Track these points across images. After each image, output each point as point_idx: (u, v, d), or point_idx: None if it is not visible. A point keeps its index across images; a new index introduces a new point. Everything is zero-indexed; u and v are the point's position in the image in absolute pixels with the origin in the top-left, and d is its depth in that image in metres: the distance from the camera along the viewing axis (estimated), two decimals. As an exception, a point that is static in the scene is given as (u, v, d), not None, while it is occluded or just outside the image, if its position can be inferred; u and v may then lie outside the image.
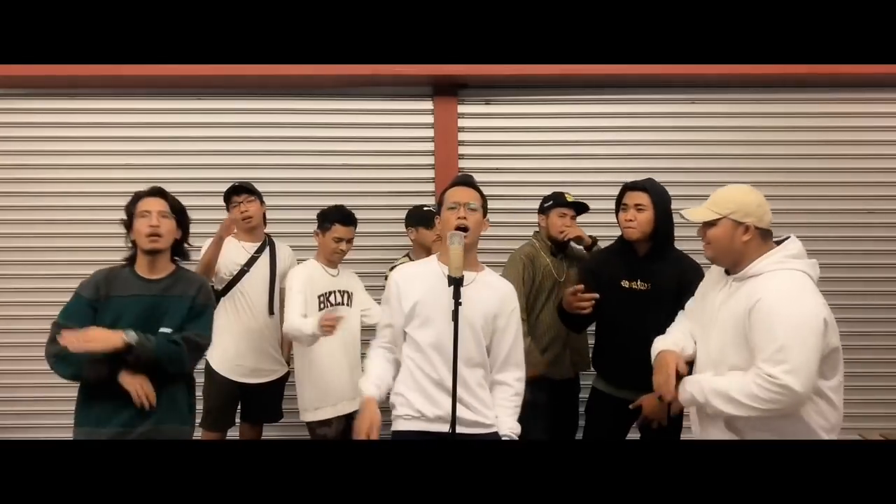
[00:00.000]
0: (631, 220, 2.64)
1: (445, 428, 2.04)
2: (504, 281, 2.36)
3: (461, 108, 3.86)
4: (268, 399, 3.16)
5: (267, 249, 3.19)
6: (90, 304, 2.21)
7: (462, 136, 3.86)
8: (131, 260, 2.32)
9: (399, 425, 2.21)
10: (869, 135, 3.85)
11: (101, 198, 3.77)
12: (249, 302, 3.07)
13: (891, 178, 3.84)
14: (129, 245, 2.33)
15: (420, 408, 2.15)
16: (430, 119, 3.85)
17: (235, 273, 3.06)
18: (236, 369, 3.06)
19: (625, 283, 2.65)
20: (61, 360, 2.14)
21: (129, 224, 2.30)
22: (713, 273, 2.17)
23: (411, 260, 3.15)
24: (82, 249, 3.77)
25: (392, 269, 3.09)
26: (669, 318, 2.39)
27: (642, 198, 2.63)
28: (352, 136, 3.85)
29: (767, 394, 1.81)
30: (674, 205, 3.76)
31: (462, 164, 3.83)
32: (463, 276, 2.00)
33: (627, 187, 2.72)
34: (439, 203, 2.31)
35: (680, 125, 3.85)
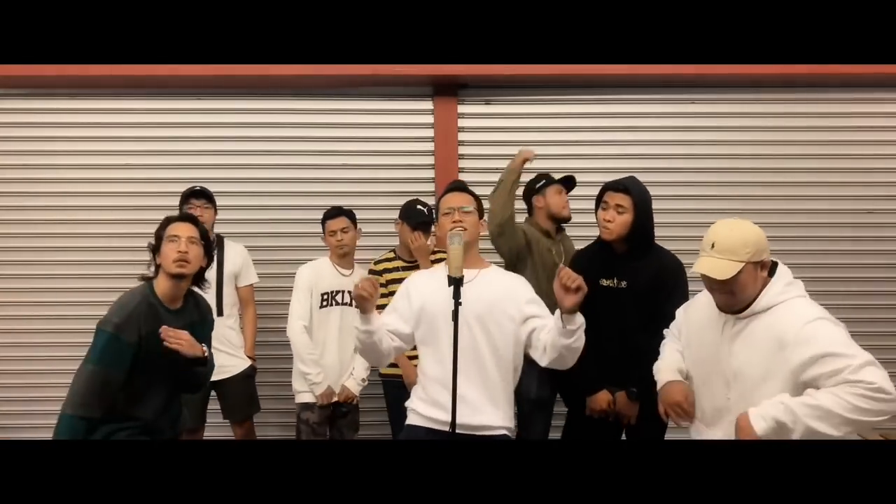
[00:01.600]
0: (609, 221, 2.62)
1: (458, 429, 2.05)
2: (512, 274, 2.37)
3: (461, 108, 3.86)
4: (235, 393, 3.23)
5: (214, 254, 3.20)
6: (132, 348, 2.14)
7: (462, 136, 3.85)
8: (147, 279, 2.29)
9: (412, 420, 2.26)
10: (869, 135, 3.84)
11: (101, 198, 3.77)
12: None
13: (890, 178, 3.84)
14: (152, 268, 2.30)
15: (434, 415, 2.18)
16: (430, 119, 3.85)
17: None
18: None
19: (604, 282, 2.65)
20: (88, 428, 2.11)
21: (156, 247, 2.27)
22: (705, 309, 2.05)
23: (396, 255, 3.16)
24: (82, 249, 3.77)
25: (376, 263, 3.16)
26: (649, 316, 2.39)
27: (623, 199, 2.61)
28: (352, 136, 3.85)
29: (873, 403, 1.74)
30: (673, 205, 3.82)
31: (462, 164, 3.83)
32: (463, 276, 2.00)
33: (608, 187, 2.69)
34: (437, 211, 2.36)
35: (680, 125, 3.85)
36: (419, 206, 3.09)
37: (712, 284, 1.91)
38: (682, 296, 2.51)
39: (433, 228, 3.03)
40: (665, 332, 2.32)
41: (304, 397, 3.10)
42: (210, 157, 3.83)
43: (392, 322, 2.25)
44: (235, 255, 3.31)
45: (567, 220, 3.10)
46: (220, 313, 3.15)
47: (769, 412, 1.82)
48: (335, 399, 3.09)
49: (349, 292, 3.10)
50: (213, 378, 3.10)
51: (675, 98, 3.84)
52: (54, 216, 3.80)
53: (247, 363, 3.28)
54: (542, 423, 3.02)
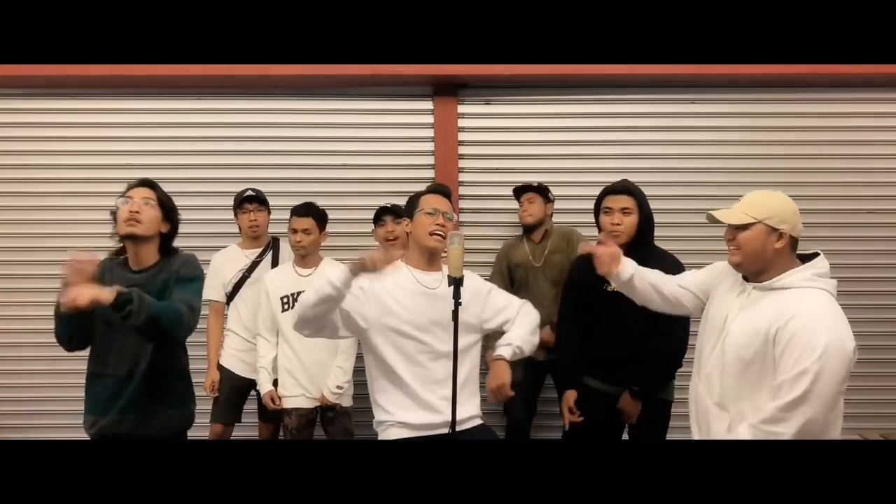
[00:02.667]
0: (618, 225, 2.61)
1: (433, 431, 2.11)
2: (469, 273, 2.29)
3: (461, 108, 3.86)
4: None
5: (269, 253, 3.30)
6: None
7: (462, 136, 3.86)
8: (120, 252, 2.32)
9: (390, 434, 2.18)
10: (869, 135, 3.84)
11: (101, 198, 3.76)
12: (249, 304, 3.21)
13: (891, 178, 3.84)
14: (117, 238, 2.30)
15: (407, 419, 2.15)
16: (430, 119, 3.85)
17: (238, 279, 3.22)
18: (239, 365, 3.22)
19: (608, 287, 2.64)
20: (59, 322, 2.15)
21: (115, 218, 2.28)
22: (728, 275, 2.09)
23: None
24: (82, 249, 3.77)
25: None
26: (651, 317, 2.41)
27: (628, 201, 2.61)
28: (352, 136, 3.85)
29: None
30: (673, 205, 3.82)
31: (462, 164, 3.83)
32: (462, 276, 2.01)
33: (609, 191, 2.68)
34: (410, 207, 2.30)
35: (680, 125, 3.85)
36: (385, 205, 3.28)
37: (727, 236, 1.97)
38: None
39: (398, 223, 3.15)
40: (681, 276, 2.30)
41: (284, 402, 3.05)
42: (210, 157, 3.83)
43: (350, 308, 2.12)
44: (289, 255, 3.23)
45: (528, 226, 3.33)
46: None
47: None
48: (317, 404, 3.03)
49: None
50: (254, 376, 3.14)
51: (675, 98, 3.85)
52: (54, 216, 3.80)
53: None
54: (518, 407, 3.18)
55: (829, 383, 1.71)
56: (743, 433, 1.83)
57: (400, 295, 2.17)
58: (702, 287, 2.19)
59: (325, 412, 3.08)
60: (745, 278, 2.01)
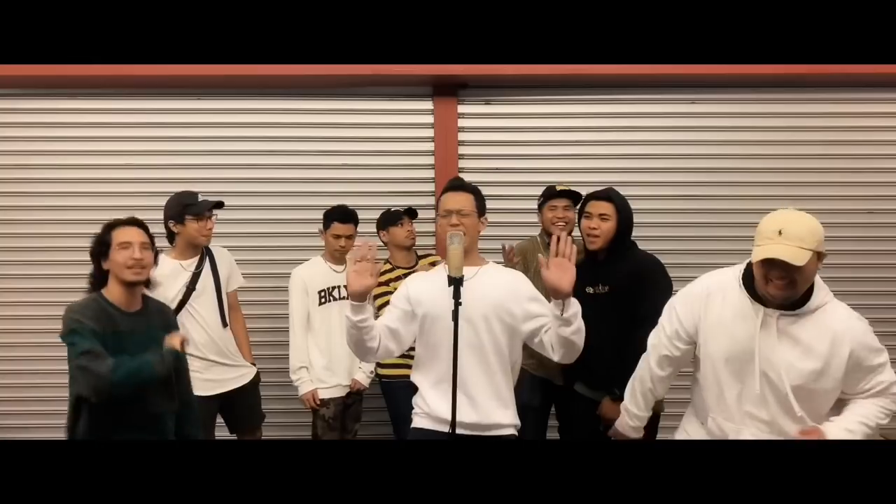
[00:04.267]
0: (595, 229, 2.70)
1: (463, 431, 2.08)
2: (509, 270, 2.36)
3: (461, 108, 3.86)
4: (243, 404, 3.14)
5: (206, 262, 3.07)
6: (98, 335, 2.13)
7: (462, 136, 3.85)
8: (95, 287, 2.26)
9: (419, 423, 2.24)
10: (869, 135, 3.84)
11: (101, 198, 3.77)
12: (201, 319, 2.99)
13: (891, 178, 3.84)
14: (95, 275, 2.27)
15: (441, 417, 2.15)
16: (430, 119, 3.85)
17: (182, 295, 2.96)
18: (205, 385, 2.95)
19: (589, 290, 2.69)
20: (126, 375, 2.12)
21: (102, 253, 2.24)
22: (727, 302, 1.97)
23: (391, 264, 3.22)
24: (82, 249, 3.72)
25: (380, 307, 3.07)
26: (629, 317, 2.46)
27: (606, 207, 2.69)
28: (352, 136, 3.85)
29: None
30: (673, 205, 3.82)
31: (462, 164, 3.83)
32: (462, 276, 2.01)
33: (591, 196, 2.77)
34: (437, 209, 2.35)
35: (680, 125, 3.85)
36: (393, 209, 3.30)
37: (778, 273, 1.81)
38: (662, 293, 2.49)
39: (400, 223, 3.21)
40: (654, 334, 2.22)
41: (321, 394, 3.15)
42: (210, 157, 3.82)
43: (391, 321, 2.22)
44: (224, 260, 3.16)
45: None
46: (224, 323, 3.06)
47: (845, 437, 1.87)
48: (344, 392, 3.18)
49: (345, 287, 3.03)
50: (224, 390, 3.05)
51: (675, 98, 3.84)
52: (54, 216, 3.80)
53: (253, 370, 3.18)
54: (533, 430, 3.02)
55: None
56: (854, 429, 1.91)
57: (429, 295, 2.20)
58: (686, 336, 2.08)
59: (348, 398, 3.22)
60: (758, 300, 1.90)
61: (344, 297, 3.14)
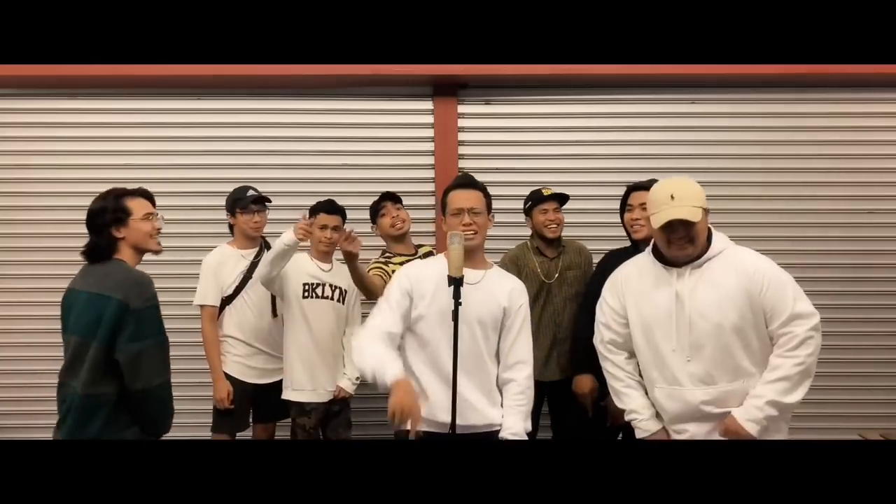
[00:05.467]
0: (638, 219, 2.72)
1: (462, 430, 2.08)
2: (512, 277, 2.35)
3: (461, 108, 3.86)
4: (276, 397, 3.16)
5: (264, 254, 3.15)
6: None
7: (462, 136, 3.86)
8: (96, 257, 2.20)
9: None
10: (869, 135, 3.84)
11: (101, 198, 3.77)
12: (253, 307, 3.13)
13: (891, 178, 3.84)
14: (100, 243, 2.20)
15: (435, 418, 2.14)
16: (430, 119, 3.85)
17: (239, 281, 3.13)
18: (246, 371, 3.13)
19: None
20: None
21: (118, 220, 2.19)
22: (644, 275, 2.18)
23: (394, 254, 3.09)
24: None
25: (369, 270, 3.00)
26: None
27: (646, 197, 2.65)
28: (352, 136, 3.85)
29: (813, 343, 2.02)
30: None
31: (462, 164, 3.83)
32: (463, 276, 2.01)
33: (632, 188, 2.79)
34: (443, 205, 2.30)
35: (680, 125, 3.85)
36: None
37: (679, 234, 2.04)
38: None
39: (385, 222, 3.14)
40: (599, 331, 2.34)
41: (299, 395, 3.03)
42: (209, 157, 3.82)
43: (390, 324, 2.17)
44: None
45: (552, 239, 3.06)
46: (275, 314, 3.14)
47: (756, 415, 1.97)
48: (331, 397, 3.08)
49: (330, 286, 3.09)
50: (265, 381, 3.13)
51: (675, 98, 3.85)
52: (54, 216, 3.80)
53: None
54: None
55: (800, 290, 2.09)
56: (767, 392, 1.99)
57: (430, 292, 2.19)
58: (620, 318, 2.26)
59: (332, 406, 3.11)
60: (669, 264, 2.11)
61: (327, 297, 3.07)
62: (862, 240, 3.83)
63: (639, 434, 2.25)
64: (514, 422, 2.15)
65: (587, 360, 2.63)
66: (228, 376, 3.10)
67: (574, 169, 3.83)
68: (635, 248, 2.74)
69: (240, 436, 3.21)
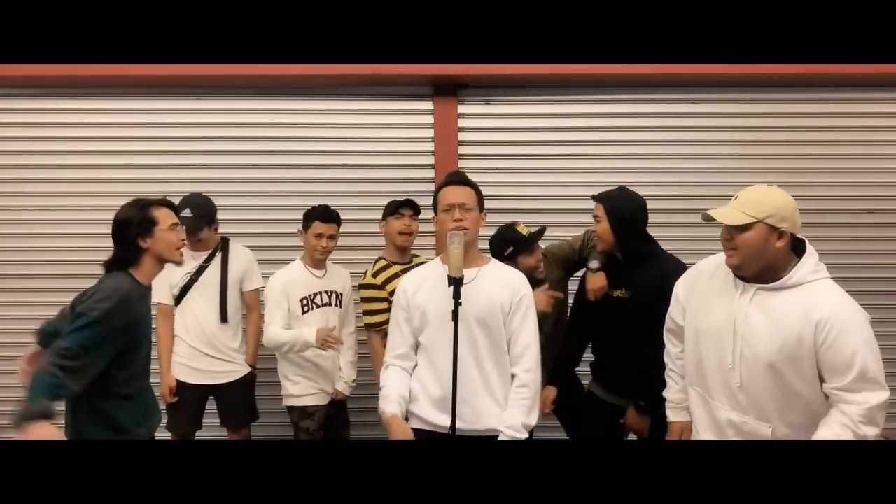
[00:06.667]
0: (594, 232, 2.73)
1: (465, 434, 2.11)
2: (512, 270, 2.32)
3: (461, 108, 3.86)
4: (233, 401, 3.19)
5: (217, 258, 3.16)
6: (116, 333, 2.12)
7: (462, 136, 3.85)
8: (119, 267, 2.19)
9: (413, 424, 2.23)
10: (869, 135, 3.84)
11: (101, 198, 3.77)
12: (199, 310, 3.10)
13: (891, 178, 3.84)
14: (125, 253, 2.19)
15: (435, 420, 2.17)
16: (430, 119, 3.85)
17: (185, 282, 3.11)
18: (189, 373, 3.12)
19: (613, 293, 2.69)
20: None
21: (145, 231, 2.17)
22: (714, 278, 2.02)
23: (388, 262, 3.08)
24: (82, 249, 3.77)
25: (374, 276, 3.03)
26: (653, 325, 2.38)
27: (597, 209, 2.68)
28: (352, 136, 3.85)
29: (874, 422, 1.80)
30: (673, 205, 3.81)
31: (462, 164, 3.83)
32: (463, 276, 2.00)
33: (592, 197, 2.76)
34: (434, 204, 2.30)
35: (680, 125, 3.85)
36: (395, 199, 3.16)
37: (725, 236, 1.89)
38: None
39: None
40: (667, 326, 2.30)
41: (300, 401, 3.05)
42: (210, 157, 3.82)
43: (398, 344, 2.26)
44: (241, 259, 3.23)
45: (539, 280, 2.84)
46: (224, 319, 3.11)
47: None
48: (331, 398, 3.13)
49: (326, 293, 3.10)
50: (209, 382, 3.13)
51: (675, 98, 3.84)
52: (53, 216, 3.80)
53: (245, 370, 3.21)
54: None
55: (877, 359, 1.81)
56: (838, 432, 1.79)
57: (429, 293, 2.19)
58: (682, 310, 2.18)
59: (330, 408, 3.14)
60: (742, 278, 1.92)
61: (326, 304, 3.09)
62: (862, 240, 3.83)
63: (669, 417, 2.29)
64: (512, 415, 2.14)
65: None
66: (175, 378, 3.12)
67: (574, 169, 3.83)
68: (611, 257, 2.73)
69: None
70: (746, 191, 1.92)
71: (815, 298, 1.81)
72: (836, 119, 3.84)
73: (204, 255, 3.14)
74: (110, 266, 2.20)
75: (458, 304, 1.97)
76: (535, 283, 2.77)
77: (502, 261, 2.55)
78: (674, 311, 2.22)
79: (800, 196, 3.77)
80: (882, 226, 3.83)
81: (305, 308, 3.05)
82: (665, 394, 2.32)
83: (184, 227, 2.88)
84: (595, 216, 2.69)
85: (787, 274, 1.86)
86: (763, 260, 1.85)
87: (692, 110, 3.86)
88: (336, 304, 3.12)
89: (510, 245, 2.82)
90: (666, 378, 2.31)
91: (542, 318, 2.73)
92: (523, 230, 2.83)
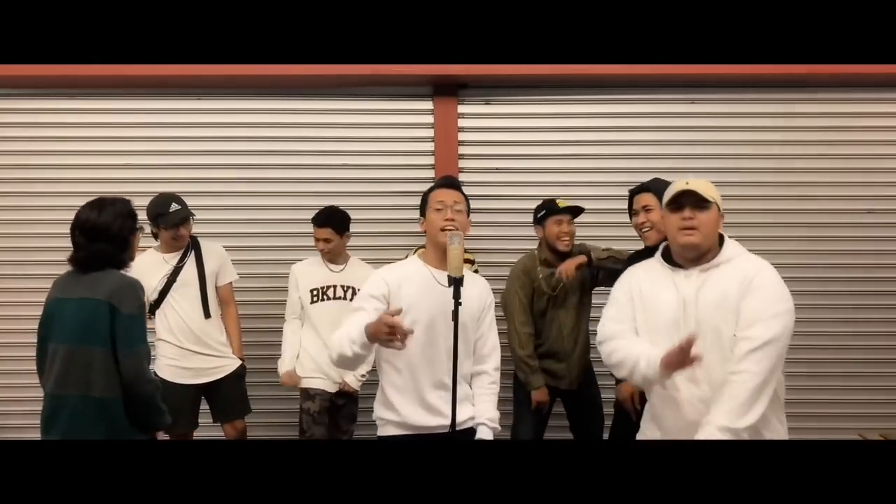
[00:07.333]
0: (644, 223, 2.68)
1: (434, 430, 2.12)
2: (478, 277, 2.40)
3: (461, 108, 3.86)
4: (226, 394, 3.20)
5: (191, 256, 3.17)
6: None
7: (462, 136, 3.86)
8: (121, 263, 2.30)
9: (388, 431, 2.21)
10: (869, 135, 3.84)
11: (101, 198, 3.77)
12: (181, 310, 3.10)
13: (891, 178, 3.84)
14: (120, 247, 2.32)
15: (414, 420, 2.15)
16: (430, 119, 3.85)
17: (163, 286, 3.10)
18: (179, 373, 3.11)
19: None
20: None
21: (134, 227, 2.30)
22: (649, 272, 2.11)
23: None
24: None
25: None
26: None
27: (648, 199, 2.66)
28: (352, 136, 3.85)
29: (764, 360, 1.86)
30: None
31: (462, 164, 3.83)
32: (463, 276, 2.01)
33: (633, 191, 2.76)
34: (423, 205, 2.30)
35: (680, 125, 3.85)
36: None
37: (688, 214, 1.97)
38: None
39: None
40: (604, 324, 2.17)
41: (305, 382, 3.17)
42: (210, 157, 3.83)
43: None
44: (215, 255, 3.24)
45: (565, 252, 2.99)
46: (207, 315, 3.13)
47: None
48: (336, 389, 3.17)
49: (341, 287, 3.19)
50: (203, 380, 3.13)
51: (675, 98, 3.84)
52: (54, 216, 3.80)
53: (237, 363, 3.23)
54: (532, 428, 3.03)
55: (789, 336, 1.89)
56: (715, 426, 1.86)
57: (414, 291, 2.17)
58: (631, 310, 2.14)
59: (338, 400, 3.20)
60: (677, 266, 2.03)
61: (339, 297, 3.15)
62: (862, 240, 3.83)
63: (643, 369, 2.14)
64: (487, 409, 2.23)
65: None
66: (162, 380, 3.01)
67: (574, 169, 3.83)
68: (649, 252, 2.70)
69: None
70: (694, 179, 2.06)
71: (747, 265, 1.99)
72: (836, 119, 3.84)
73: (176, 257, 3.13)
74: (91, 263, 2.30)
75: (457, 303, 1.98)
76: (559, 255, 2.99)
77: (536, 223, 3.03)
78: (620, 315, 2.14)
79: (800, 196, 3.84)
80: (882, 226, 3.83)
81: (315, 298, 3.19)
82: (635, 350, 2.15)
83: (176, 223, 3.05)
84: (644, 207, 2.64)
85: (720, 252, 2.03)
86: (711, 239, 2.02)
87: (692, 110, 3.86)
88: (350, 300, 3.14)
89: (543, 209, 3.05)
90: (625, 344, 2.16)
91: (569, 288, 2.97)
92: (562, 203, 3.03)
